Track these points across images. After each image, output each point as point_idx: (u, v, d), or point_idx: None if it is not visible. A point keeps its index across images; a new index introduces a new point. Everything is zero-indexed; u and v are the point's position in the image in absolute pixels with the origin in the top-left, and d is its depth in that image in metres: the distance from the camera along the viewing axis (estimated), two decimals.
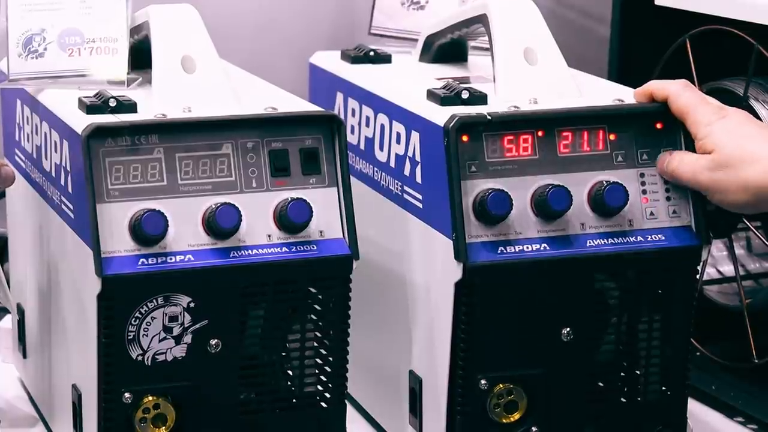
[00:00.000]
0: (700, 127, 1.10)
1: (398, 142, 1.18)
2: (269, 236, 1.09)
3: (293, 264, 1.09)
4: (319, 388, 1.12)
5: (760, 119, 1.29)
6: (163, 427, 1.08)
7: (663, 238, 1.13)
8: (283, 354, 1.11)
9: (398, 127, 1.18)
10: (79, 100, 1.12)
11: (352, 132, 1.25)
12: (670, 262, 1.14)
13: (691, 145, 1.14)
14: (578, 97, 1.16)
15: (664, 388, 1.16)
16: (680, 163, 1.11)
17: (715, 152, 1.09)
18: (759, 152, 1.07)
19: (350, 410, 1.15)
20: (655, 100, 1.13)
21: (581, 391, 1.14)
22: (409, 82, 1.24)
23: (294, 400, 1.11)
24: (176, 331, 1.07)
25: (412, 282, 1.17)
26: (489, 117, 1.11)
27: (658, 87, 1.13)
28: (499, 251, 1.10)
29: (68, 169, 1.11)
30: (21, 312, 1.29)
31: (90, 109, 1.10)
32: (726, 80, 1.34)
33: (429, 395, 1.15)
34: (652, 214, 1.14)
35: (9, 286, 1.28)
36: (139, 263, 1.06)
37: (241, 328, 1.09)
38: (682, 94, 1.12)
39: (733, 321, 1.34)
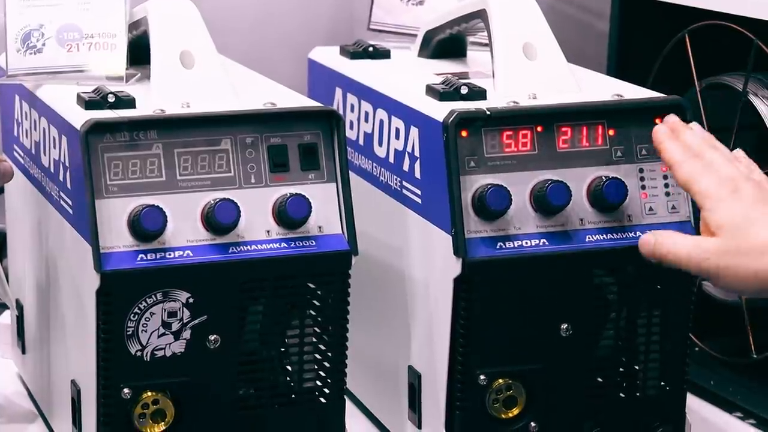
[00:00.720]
0: (706, 199, 1.03)
1: (397, 137, 1.18)
2: (268, 232, 1.09)
3: (292, 259, 1.09)
4: (318, 383, 1.12)
5: (759, 114, 1.29)
6: (162, 423, 1.08)
7: None
8: (282, 349, 1.11)
9: (397, 123, 1.18)
10: (78, 96, 1.12)
11: (351, 127, 1.25)
12: None
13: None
14: (577, 92, 1.16)
15: (663, 383, 1.16)
16: (674, 245, 1.04)
17: (724, 236, 1.02)
18: None
19: (349, 406, 1.15)
20: (660, 153, 1.08)
21: (580, 387, 1.14)
22: (408, 77, 1.23)
23: (293, 396, 1.11)
24: (175, 326, 1.07)
25: (411, 277, 1.17)
26: (488, 112, 1.11)
27: (665, 154, 1.07)
28: (498, 246, 1.10)
29: (67, 164, 1.11)
30: (20, 308, 1.29)
31: (89, 104, 1.10)
32: (725, 75, 1.34)
33: (428, 391, 1.15)
34: (651, 209, 1.14)
35: (8, 282, 1.28)
36: (138, 259, 1.06)
37: (240, 323, 1.09)
38: (685, 162, 1.05)
39: (731, 316, 1.34)
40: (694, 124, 1.11)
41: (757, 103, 1.30)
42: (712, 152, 1.07)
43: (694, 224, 1.14)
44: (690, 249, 1.03)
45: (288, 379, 1.12)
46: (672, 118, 1.10)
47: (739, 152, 1.09)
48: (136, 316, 1.06)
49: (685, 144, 1.08)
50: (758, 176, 1.06)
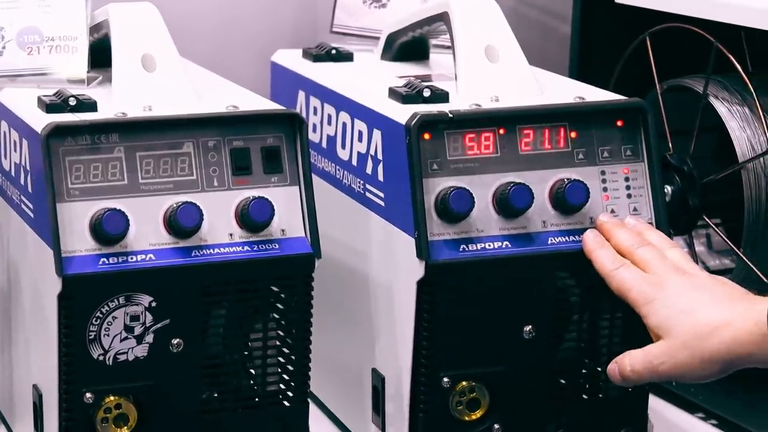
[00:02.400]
0: (640, 307, 1.06)
1: (360, 140, 1.18)
2: (231, 235, 1.09)
3: (255, 263, 1.08)
4: (282, 387, 1.12)
5: (719, 116, 1.30)
6: (125, 427, 1.08)
7: None
8: (246, 353, 1.11)
9: (360, 126, 1.18)
10: (39, 99, 1.11)
11: (314, 130, 1.25)
12: None
13: (652, 146, 1.14)
14: (539, 95, 1.16)
15: None
16: (632, 365, 1.06)
17: (665, 337, 1.05)
18: (708, 321, 1.03)
19: (313, 409, 1.15)
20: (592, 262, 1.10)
21: (543, 389, 1.14)
22: (370, 80, 1.24)
23: (256, 399, 1.11)
24: (138, 330, 1.07)
25: (375, 280, 1.17)
26: (450, 115, 1.11)
27: (597, 262, 1.09)
28: (461, 249, 1.10)
29: (28, 168, 1.10)
30: None
31: (50, 108, 1.10)
32: (686, 78, 1.34)
33: (392, 393, 1.15)
34: (613, 211, 1.14)
35: None
36: (100, 263, 1.05)
37: (203, 327, 1.09)
38: (615, 272, 1.08)
39: None
40: (630, 218, 1.13)
41: (718, 105, 1.30)
42: (644, 250, 1.09)
43: (656, 226, 1.14)
44: (643, 361, 1.06)
45: (251, 383, 1.11)
46: (604, 218, 1.12)
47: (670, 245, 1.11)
48: (99, 320, 1.06)
49: (617, 245, 1.10)
50: (685, 264, 1.09)
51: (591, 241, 1.10)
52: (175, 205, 1.07)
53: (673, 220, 1.28)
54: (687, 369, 1.04)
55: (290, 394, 1.12)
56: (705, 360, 1.03)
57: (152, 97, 1.11)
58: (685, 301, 1.05)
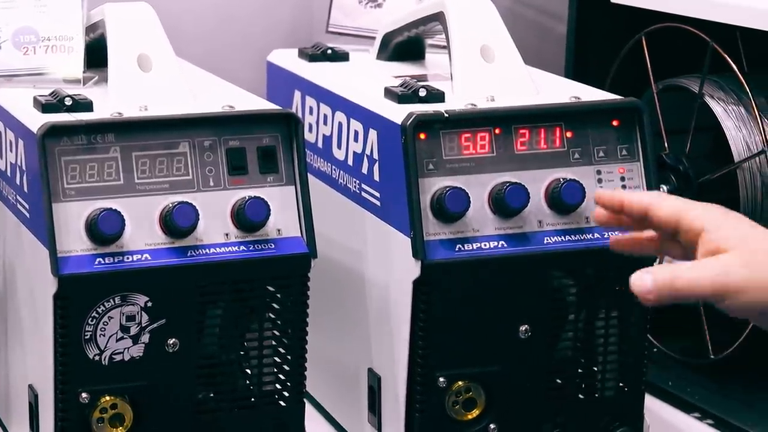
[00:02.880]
0: (707, 222, 0.94)
1: (356, 140, 1.18)
2: (227, 235, 1.09)
3: (251, 263, 1.08)
4: (278, 386, 1.12)
5: (714, 116, 1.30)
6: (121, 427, 1.08)
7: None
8: (242, 353, 1.11)
9: (356, 125, 1.18)
10: (35, 99, 1.11)
11: (310, 130, 1.25)
12: (627, 258, 1.14)
13: (647, 145, 1.14)
14: (535, 94, 1.17)
15: (621, 384, 1.16)
16: (690, 273, 0.92)
17: (736, 248, 0.92)
18: None
19: (309, 409, 1.15)
20: (625, 211, 0.99)
21: (539, 388, 1.14)
22: (366, 80, 1.24)
23: (252, 399, 1.11)
24: (133, 330, 1.07)
25: (371, 280, 1.17)
26: (446, 115, 1.11)
27: (634, 198, 0.98)
28: (456, 249, 1.10)
29: (23, 168, 1.10)
30: None
31: (46, 107, 1.10)
32: (681, 78, 1.34)
33: (388, 393, 1.15)
34: None
35: None
36: (96, 263, 1.05)
37: (198, 327, 1.09)
38: (665, 198, 0.98)
39: (689, 317, 1.34)
40: None
41: (713, 104, 1.30)
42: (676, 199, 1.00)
43: None
44: (710, 270, 0.92)
45: (247, 383, 1.11)
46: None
47: None
48: (94, 320, 1.06)
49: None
50: None
51: (607, 191, 1.02)
52: (170, 205, 1.07)
53: None
54: (756, 284, 0.90)
55: (286, 394, 1.12)
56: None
57: (148, 97, 1.11)
58: (754, 227, 0.94)
